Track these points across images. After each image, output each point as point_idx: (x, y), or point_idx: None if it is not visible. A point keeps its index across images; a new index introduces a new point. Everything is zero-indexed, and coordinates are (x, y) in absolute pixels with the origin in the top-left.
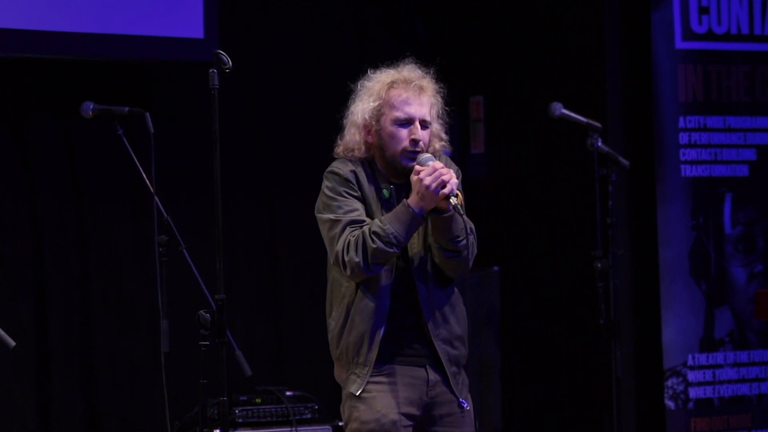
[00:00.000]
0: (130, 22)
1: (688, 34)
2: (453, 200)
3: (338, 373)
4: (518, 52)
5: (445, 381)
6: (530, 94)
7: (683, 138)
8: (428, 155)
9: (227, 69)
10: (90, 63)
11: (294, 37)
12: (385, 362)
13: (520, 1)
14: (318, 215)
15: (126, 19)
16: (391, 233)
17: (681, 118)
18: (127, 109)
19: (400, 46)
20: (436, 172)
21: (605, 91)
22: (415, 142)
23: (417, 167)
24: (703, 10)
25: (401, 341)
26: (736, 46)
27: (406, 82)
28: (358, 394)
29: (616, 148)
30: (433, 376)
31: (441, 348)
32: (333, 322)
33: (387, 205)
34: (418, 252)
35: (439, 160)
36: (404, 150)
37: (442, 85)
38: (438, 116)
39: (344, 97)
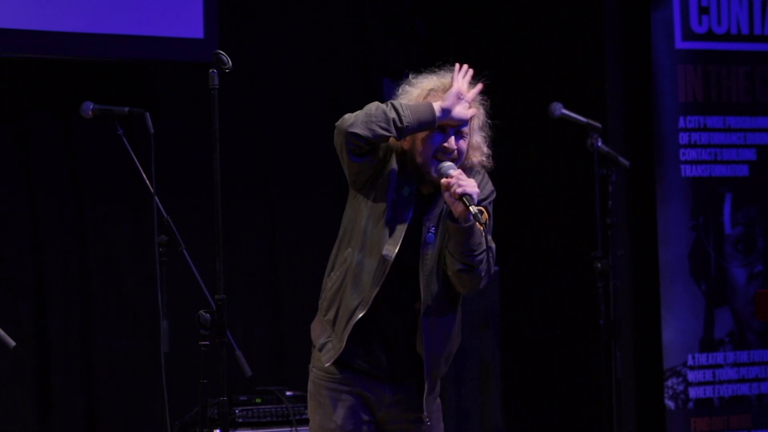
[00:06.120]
0: (130, 22)
1: (688, 34)
2: (473, 209)
3: (318, 332)
4: (518, 52)
5: (408, 398)
6: (530, 94)
7: (683, 138)
8: (450, 164)
9: (227, 69)
10: (90, 63)
11: (294, 37)
12: (346, 367)
13: (520, 2)
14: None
15: (126, 19)
16: (400, 107)
17: (681, 118)
18: (127, 109)
19: (401, 46)
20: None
21: (605, 91)
22: (445, 150)
23: (443, 181)
24: (703, 10)
25: (371, 347)
26: (736, 46)
27: (446, 90)
28: (327, 365)
29: (616, 148)
30: (390, 394)
31: (432, 364)
32: (330, 283)
33: (401, 201)
34: (431, 272)
35: (477, 176)
36: (434, 155)
37: (485, 97)
38: (479, 128)
39: (344, 97)
